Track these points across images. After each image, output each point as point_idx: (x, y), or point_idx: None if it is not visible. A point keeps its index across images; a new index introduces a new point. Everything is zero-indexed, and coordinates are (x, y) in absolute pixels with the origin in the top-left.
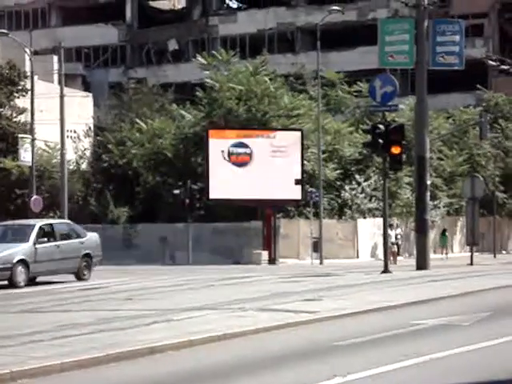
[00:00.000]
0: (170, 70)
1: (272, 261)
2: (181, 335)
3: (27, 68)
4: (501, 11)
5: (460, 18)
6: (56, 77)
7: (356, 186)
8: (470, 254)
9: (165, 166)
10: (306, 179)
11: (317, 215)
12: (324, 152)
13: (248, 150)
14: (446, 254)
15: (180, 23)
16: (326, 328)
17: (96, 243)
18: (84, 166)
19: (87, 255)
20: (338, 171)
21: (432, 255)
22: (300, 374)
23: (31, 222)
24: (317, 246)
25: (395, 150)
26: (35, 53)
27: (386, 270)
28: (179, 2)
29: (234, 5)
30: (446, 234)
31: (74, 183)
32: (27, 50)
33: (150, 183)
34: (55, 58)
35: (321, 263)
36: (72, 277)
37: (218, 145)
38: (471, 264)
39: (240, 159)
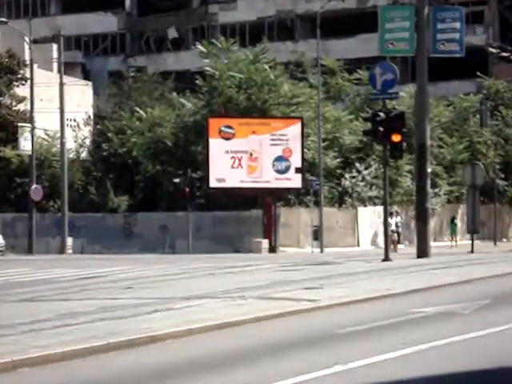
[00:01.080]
0: (169, 58)
1: (272, 249)
2: (181, 324)
3: (27, 57)
4: None
5: (460, 5)
6: (55, 65)
7: (356, 174)
8: (470, 241)
9: (165, 155)
10: (307, 167)
11: (317, 203)
12: (324, 140)
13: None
14: (456, 241)
15: (180, 11)
16: (327, 316)
17: None
18: (84, 155)
19: None
20: (338, 159)
21: (439, 243)
22: (300, 363)
23: None
24: (317, 235)
25: (395, 137)
26: (34, 41)
27: (386, 258)
28: None
29: None
30: (455, 221)
31: (74, 172)
32: (26, 39)
33: (149, 172)
34: (55, 46)
35: (321, 252)
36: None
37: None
38: (472, 252)
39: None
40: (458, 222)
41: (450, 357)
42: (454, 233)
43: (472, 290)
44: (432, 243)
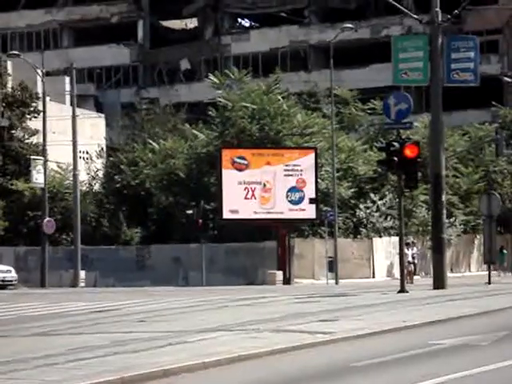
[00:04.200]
0: (182, 89)
1: (287, 281)
2: (194, 357)
3: (39, 89)
4: None
5: (474, 34)
6: (68, 98)
7: (371, 204)
8: (487, 272)
9: (178, 186)
10: (321, 198)
11: (332, 234)
12: (338, 170)
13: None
14: (503, 271)
15: (192, 42)
16: (343, 349)
17: None
18: (96, 187)
19: None
20: (353, 190)
21: (456, 274)
22: None
23: None
24: (332, 266)
25: (410, 151)
26: (47, 74)
27: (402, 290)
28: (191, 22)
29: (247, 23)
30: (504, 251)
31: (87, 204)
32: (39, 71)
33: (162, 203)
34: (67, 78)
35: (336, 283)
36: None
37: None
38: (489, 283)
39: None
40: (474, 251)
41: None
42: (502, 262)
43: (490, 321)
44: (448, 274)
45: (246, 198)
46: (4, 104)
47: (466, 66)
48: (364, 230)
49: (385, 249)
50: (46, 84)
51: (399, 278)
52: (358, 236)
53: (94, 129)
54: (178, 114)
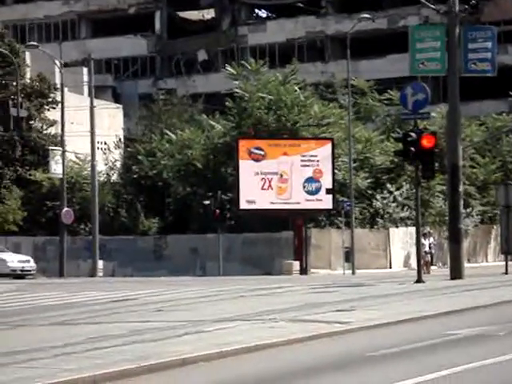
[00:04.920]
0: (199, 80)
1: (303, 271)
2: (212, 346)
3: (57, 80)
4: None
5: (491, 24)
6: (86, 89)
7: (388, 194)
8: (504, 262)
9: (195, 177)
10: (337, 188)
11: (348, 225)
12: (355, 161)
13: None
14: None
15: (209, 33)
16: (359, 339)
17: None
18: (114, 178)
19: None
20: (370, 180)
21: (473, 264)
22: None
23: None
24: (349, 256)
25: (427, 142)
26: (65, 65)
27: (419, 280)
28: (208, 13)
29: (263, 14)
30: None
31: (105, 195)
32: (57, 63)
33: (180, 194)
34: (85, 69)
35: (353, 273)
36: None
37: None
38: (506, 273)
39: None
40: (491, 242)
41: (486, 379)
42: None
43: (507, 311)
44: (466, 264)
45: (262, 189)
46: (22, 95)
47: (483, 56)
48: (381, 221)
49: (401, 239)
50: (64, 75)
51: (416, 268)
52: (375, 226)
53: (111, 119)
54: (195, 104)
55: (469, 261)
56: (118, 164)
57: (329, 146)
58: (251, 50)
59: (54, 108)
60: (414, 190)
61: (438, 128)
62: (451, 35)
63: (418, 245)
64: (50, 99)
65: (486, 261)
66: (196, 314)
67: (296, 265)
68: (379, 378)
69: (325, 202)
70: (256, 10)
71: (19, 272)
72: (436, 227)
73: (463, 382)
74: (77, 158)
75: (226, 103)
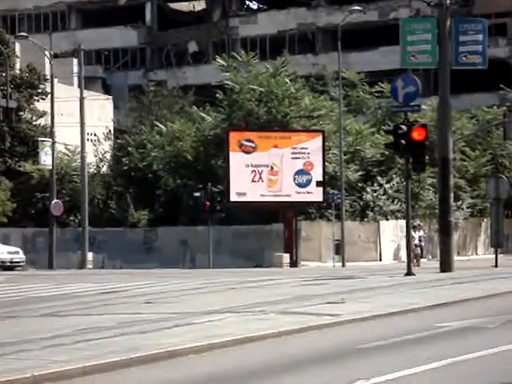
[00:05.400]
0: (189, 71)
1: (294, 263)
2: (201, 339)
3: (47, 71)
4: None
5: (483, 17)
6: (76, 80)
7: (378, 187)
8: (494, 255)
9: (185, 169)
10: (328, 181)
11: (338, 217)
12: (345, 153)
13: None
14: None
15: (200, 25)
16: (349, 331)
17: None
18: (104, 169)
19: None
20: (360, 173)
21: (462, 257)
22: (322, 378)
23: None
24: (339, 249)
25: (418, 134)
26: (55, 56)
27: (409, 273)
28: (199, 4)
29: (254, 6)
30: None
31: (95, 186)
32: (47, 53)
33: (170, 186)
34: (75, 60)
35: (343, 266)
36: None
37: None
38: (496, 266)
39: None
40: (481, 235)
41: (476, 371)
42: None
43: (497, 304)
44: (455, 257)
45: (253, 181)
46: (12, 86)
47: (474, 49)
48: (371, 213)
49: (392, 232)
50: (54, 66)
51: (406, 260)
52: (365, 219)
53: (101, 111)
54: (186, 96)
55: (459, 254)
56: (108, 156)
57: (319, 138)
58: (242, 41)
59: (44, 99)
60: (405, 183)
61: (429, 121)
62: (442, 28)
63: (408, 237)
64: (39, 90)
65: (476, 254)
66: (185, 306)
67: (286, 257)
68: (369, 370)
69: (315, 194)
70: (247, 2)
71: (8, 264)
72: (426, 220)
73: (452, 374)
74: (66, 149)
75: (217, 95)
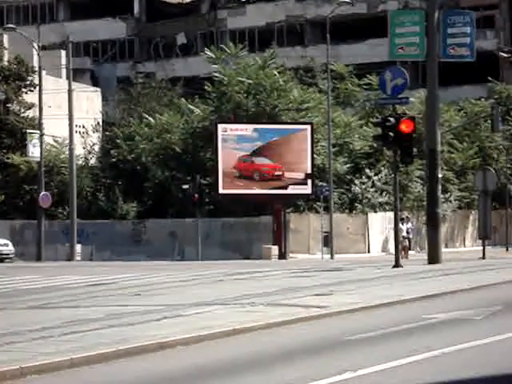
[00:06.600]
0: (178, 63)
1: (282, 256)
2: (190, 330)
3: (35, 63)
4: None
5: (471, 9)
6: (64, 72)
7: (366, 179)
8: (482, 247)
9: (174, 161)
10: (316, 173)
11: (327, 209)
12: (334, 146)
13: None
14: None
15: (188, 17)
16: (337, 323)
17: None
18: (93, 162)
19: None
20: (348, 165)
21: (450, 249)
22: (310, 369)
23: None
24: (327, 241)
25: (406, 127)
26: (43, 48)
27: (397, 265)
28: None
29: None
30: None
31: (83, 179)
32: (35, 45)
33: (158, 178)
34: (63, 52)
35: (331, 258)
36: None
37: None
38: (483, 258)
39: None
40: (469, 227)
41: (462, 363)
42: None
43: (484, 296)
44: (443, 249)
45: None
46: (0, 77)
47: (462, 41)
48: (359, 206)
49: (380, 224)
50: (42, 58)
51: (394, 252)
52: (354, 211)
53: (89, 103)
54: (174, 88)
55: (446, 246)
56: (97, 148)
57: (308, 130)
58: (231, 33)
59: (32, 91)
60: (393, 175)
61: (417, 113)
62: (430, 20)
63: (396, 230)
64: (27, 82)
65: (464, 246)
66: (174, 298)
67: (275, 249)
68: (356, 361)
69: (304, 187)
70: None
71: None
72: (414, 212)
73: (439, 366)
74: (55, 141)
75: (205, 87)
